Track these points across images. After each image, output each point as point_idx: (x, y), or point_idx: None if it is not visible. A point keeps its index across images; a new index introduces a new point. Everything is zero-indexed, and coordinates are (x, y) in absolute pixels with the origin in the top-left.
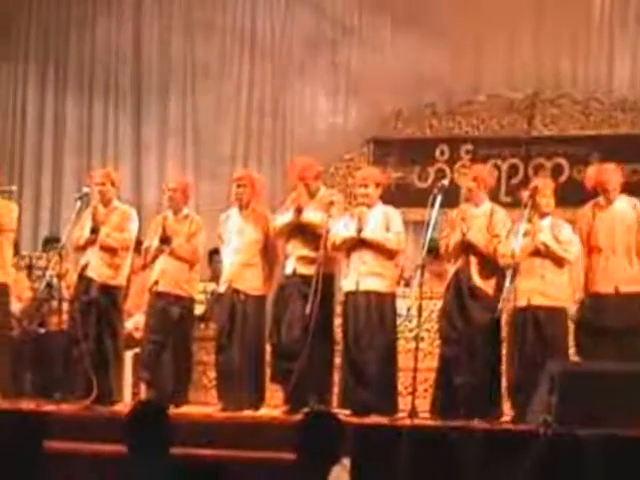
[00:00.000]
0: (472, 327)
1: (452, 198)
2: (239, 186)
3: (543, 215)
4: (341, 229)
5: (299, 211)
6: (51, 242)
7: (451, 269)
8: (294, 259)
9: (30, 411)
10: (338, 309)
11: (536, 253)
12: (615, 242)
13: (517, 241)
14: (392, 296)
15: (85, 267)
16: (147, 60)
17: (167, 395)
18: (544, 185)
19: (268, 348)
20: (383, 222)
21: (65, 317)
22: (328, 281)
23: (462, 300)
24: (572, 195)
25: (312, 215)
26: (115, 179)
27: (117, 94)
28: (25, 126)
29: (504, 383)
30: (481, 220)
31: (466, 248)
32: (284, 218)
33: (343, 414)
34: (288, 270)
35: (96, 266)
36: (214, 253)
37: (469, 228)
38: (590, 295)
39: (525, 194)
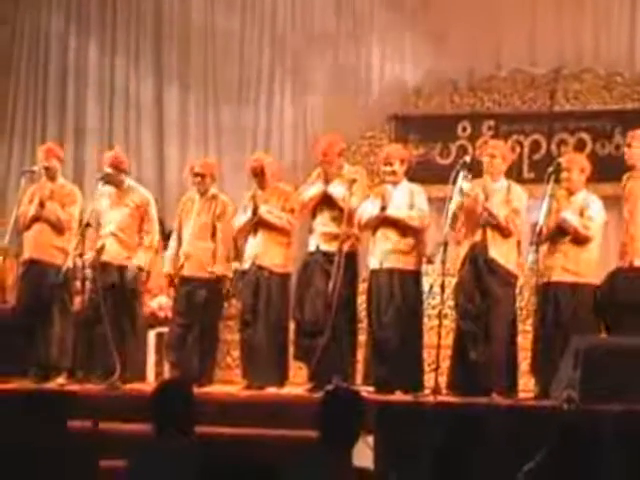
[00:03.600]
0: (490, 301)
1: (474, 174)
2: (255, 175)
3: (571, 192)
4: (368, 208)
5: (327, 182)
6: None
7: (465, 244)
8: (317, 235)
9: (54, 391)
10: (362, 286)
11: (560, 230)
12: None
13: (541, 218)
14: (416, 273)
15: (101, 250)
16: (168, 21)
17: (192, 377)
18: (570, 161)
19: (292, 325)
20: (407, 199)
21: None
22: (351, 258)
23: (479, 274)
24: (595, 170)
25: (337, 190)
26: (121, 164)
27: (138, 57)
28: (46, 98)
29: (527, 359)
30: (499, 195)
31: (484, 221)
32: (311, 191)
33: (366, 391)
34: (311, 247)
35: (111, 249)
36: None
37: (488, 199)
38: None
39: (549, 170)
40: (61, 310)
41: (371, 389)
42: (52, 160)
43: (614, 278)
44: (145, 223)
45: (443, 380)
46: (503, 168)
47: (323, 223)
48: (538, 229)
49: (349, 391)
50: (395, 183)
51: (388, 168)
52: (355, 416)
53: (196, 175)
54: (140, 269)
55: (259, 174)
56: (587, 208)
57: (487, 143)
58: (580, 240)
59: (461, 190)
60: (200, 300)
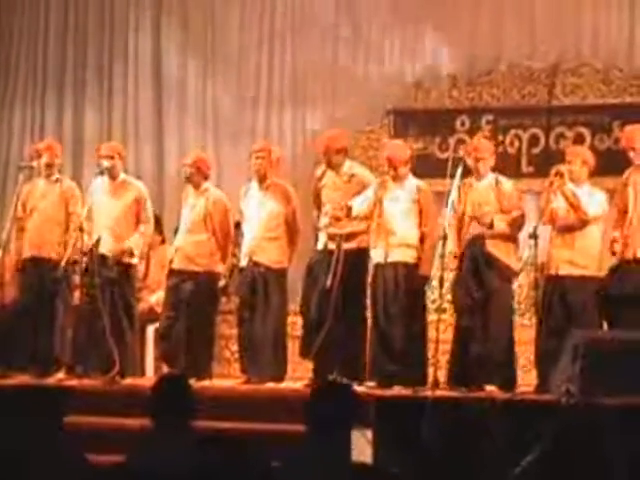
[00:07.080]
0: (488, 295)
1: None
2: (257, 158)
3: (577, 183)
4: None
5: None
6: None
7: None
8: (325, 234)
9: (52, 386)
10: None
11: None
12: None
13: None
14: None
15: (97, 243)
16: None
17: (182, 370)
18: (572, 153)
19: (290, 320)
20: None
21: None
22: (360, 255)
23: (477, 269)
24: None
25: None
26: (123, 153)
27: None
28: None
29: (525, 353)
30: (487, 193)
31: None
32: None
33: (368, 385)
34: (320, 245)
35: (108, 242)
36: (235, 227)
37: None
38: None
39: (552, 171)
40: (62, 304)
41: (372, 384)
42: (52, 157)
43: (617, 271)
44: (141, 213)
45: (442, 374)
46: (490, 164)
47: (331, 222)
48: (537, 223)
49: (339, 385)
50: (399, 181)
51: (392, 172)
52: (344, 409)
53: (188, 178)
54: (131, 253)
55: (264, 157)
56: (591, 197)
57: (470, 144)
58: (581, 221)
59: (459, 188)
60: (187, 293)
